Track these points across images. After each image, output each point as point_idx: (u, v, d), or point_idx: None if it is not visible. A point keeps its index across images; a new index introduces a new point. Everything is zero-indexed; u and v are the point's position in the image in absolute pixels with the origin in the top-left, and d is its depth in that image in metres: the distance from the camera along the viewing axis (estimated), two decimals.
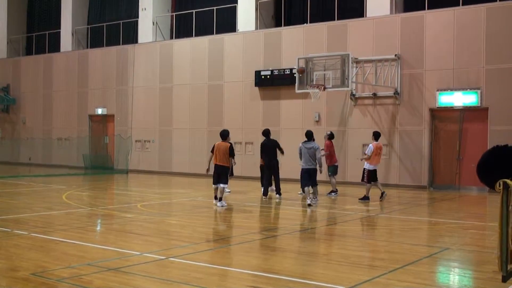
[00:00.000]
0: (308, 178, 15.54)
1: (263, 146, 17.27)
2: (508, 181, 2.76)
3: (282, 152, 17.41)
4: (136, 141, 28.59)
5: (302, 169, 15.64)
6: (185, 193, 18.78)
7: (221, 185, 14.72)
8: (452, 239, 10.58)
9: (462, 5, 20.49)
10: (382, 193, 16.37)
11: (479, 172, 2.76)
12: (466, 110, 20.07)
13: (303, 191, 15.89)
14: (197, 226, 12.05)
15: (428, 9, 21.15)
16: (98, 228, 11.80)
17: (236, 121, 24.88)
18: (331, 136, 18.27)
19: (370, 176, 16.30)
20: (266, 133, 17.36)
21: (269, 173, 17.08)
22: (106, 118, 30.30)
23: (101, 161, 30.07)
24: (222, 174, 14.77)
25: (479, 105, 19.59)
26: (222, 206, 14.56)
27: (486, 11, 19.60)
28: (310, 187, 15.61)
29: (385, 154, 19.46)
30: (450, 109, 20.35)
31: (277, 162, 17.25)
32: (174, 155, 27.14)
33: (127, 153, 28.34)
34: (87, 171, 28.84)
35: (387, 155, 20.80)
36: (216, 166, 14.88)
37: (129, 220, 12.41)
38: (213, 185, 14.94)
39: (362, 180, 16.56)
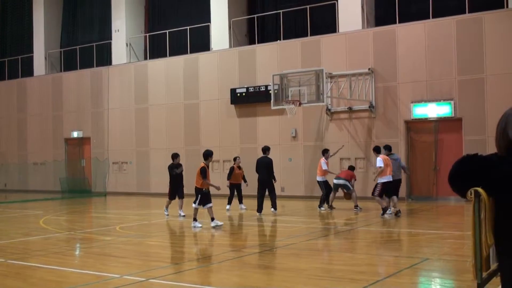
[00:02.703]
0: (396, 188, 16.29)
1: (257, 162, 17.69)
2: (479, 189, 2.80)
3: (273, 178, 17.49)
4: (113, 163, 28.40)
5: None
6: (164, 213, 18.64)
7: (202, 207, 14.35)
8: (432, 249, 10.65)
9: (432, 18, 20.80)
10: (398, 211, 15.94)
11: (451, 181, 2.80)
12: (441, 121, 20.30)
13: (387, 203, 16.17)
14: (177, 246, 11.98)
15: (399, 23, 21.43)
16: (77, 252, 11.67)
17: (213, 140, 24.85)
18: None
19: (383, 190, 15.82)
20: (264, 150, 17.78)
21: (262, 189, 17.34)
22: (82, 141, 30.08)
23: (78, 185, 29.78)
24: (196, 194, 14.50)
25: (453, 115, 19.83)
26: (194, 226, 14.29)
27: (456, 23, 19.91)
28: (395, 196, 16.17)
29: (361, 167, 19.57)
30: (424, 121, 20.57)
31: (269, 178, 17.38)
32: (152, 175, 26.97)
33: (105, 175, 28.13)
34: (64, 195, 28.52)
35: (364, 168, 20.92)
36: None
37: (108, 243, 12.29)
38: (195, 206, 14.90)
39: (373, 194, 16.05)
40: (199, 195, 14.25)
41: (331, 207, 17.94)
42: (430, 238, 12.24)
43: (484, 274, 3.05)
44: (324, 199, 18.08)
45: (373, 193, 16.05)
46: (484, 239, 2.97)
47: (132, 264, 9.71)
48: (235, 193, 18.81)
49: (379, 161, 15.91)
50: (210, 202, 14.33)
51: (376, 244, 11.96)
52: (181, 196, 17.27)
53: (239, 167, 18.83)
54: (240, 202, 18.81)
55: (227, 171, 19.26)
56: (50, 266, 9.38)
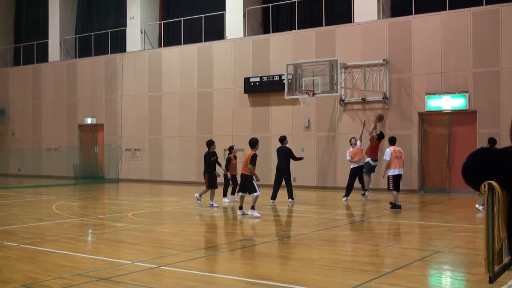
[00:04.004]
0: None
1: (277, 151, 17.90)
2: (493, 182, 2.79)
3: (295, 159, 17.77)
4: (126, 150, 28.52)
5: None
6: (176, 201, 18.74)
7: (248, 194, 14.19)
8: (443, 242, 10.62)
9: (449, 9, 20.62)
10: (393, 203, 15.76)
11: (465, 174, 2.79)
12: (455, 113, 20.18)
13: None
14: (188, 234, 12.03)
15: (415, 14, 21.27)
16: (89, 238, 11.75)
17: (226, 128, 24.88)
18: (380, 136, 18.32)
19: (395, 183, 15.49)
20: (280, 140, 17.91)
21: (279, 177, 17.59)
22: (96, 128, 30.23)
23: (91, 171, 29.97)
24: (246, 183, 14.31)
25: (468, 108, 19.70)
26: (252, 214, 13.96)
27: (472, 15, 19.74)
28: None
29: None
30: (438, 113, 20.45)
31: (288, 168, 17.62)
32: (165, 163, 27.09)
33: (117, 162, 28.27)
34: (77, 181, 28.72)
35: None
36: (241, 175, 14.59)
37: (120, 230, 12.37)
38: (237, 193, 14.73)
39: (388, 188, 15.75)
40: (246, 182, 14.16)
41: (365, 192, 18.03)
42: (442, 230, 12.20)
43: (496, 268, 3.04)
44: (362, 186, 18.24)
45: (388, 188, 15.82)
46: (497, 233, 2.95)
47: (143, 251, 9.77)
48: (230, 183, 18.16)
49: (387, 153, 15.68)
50: (256, 190, 14.18)
51: (387, 236, 11.95)
52: (216, 186, 16.56)
53: (235, 157, 18.37)
54: (234, 193, 18.16)
55: (240, 160, 19.01)
56: (62, 251, 9.46)
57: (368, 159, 18.02)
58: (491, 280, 3.05)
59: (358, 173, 18.16)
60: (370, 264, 8.61)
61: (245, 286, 7.31)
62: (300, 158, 18.12)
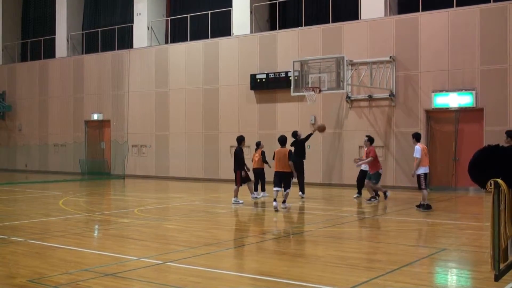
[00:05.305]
0: None
1: (291, 145, 17.93)
2: (499, 180, 2.78)
3: (308, 137, 18.25)
4: (132, 146, 28.57)
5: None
6: (182, 197, 18.76)
7: (287, 190, 14.93)
8: (449, 240, 10.60)
9: (456, 6, 20.54)
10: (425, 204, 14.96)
11: (471, 172, 2.78)
12: (462, 111, 20.11)
13: None
14: (194, 230, 12.05)
15: (422, 11, 21.21)
16: (95, 233, 11.78)
17: (232, 125, 24.87)
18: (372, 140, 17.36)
19: (425, 182, 14.83)
20: (294, 135, 18.18)
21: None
22: (102, 124, 30.28)
23: (97, 167, 30.04)
24: (284, 180, 14.88)
25: (474, 106, 19.63)
26: (285, 207, 14.91)
27: (480, 12, 19.66)
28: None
29: (381, 156, 19.43)
30: (445, 110, 20.39)
31: (301, 161, 17.78)
32: (171, 159, 27.12)
33: (124, 158, 28.32)
34: (84, 177, 28.81)
35: (384, 157, 20.81)
36: (276, 172, 14.85)
37: (126, 225, 12.41)
38: (273, 188, 14.96)
39: (420, 188, 15.01)
40: (286, 179, 14.91)
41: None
42: (448, 228, 12.18)
43: (502, 266, 3.03)
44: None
45: (419, 187, 15.12)
46: (503, 231, 2.95)
47: (149, 247, 9.79)
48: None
49: (417, 150, 14.78)
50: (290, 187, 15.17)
51: (393, 233, 11.93)
52: (249, 179, 16.90)
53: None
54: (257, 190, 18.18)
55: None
56: (69, 247, 9.50)
57: (380, 170, 16.87)
58: (497, 278, 3.04)
59: (363, 175, 17.53)
60: (376, 261, 8.61)
61: (251, 282, 7.32)
62: (310, 135, 18.39)
